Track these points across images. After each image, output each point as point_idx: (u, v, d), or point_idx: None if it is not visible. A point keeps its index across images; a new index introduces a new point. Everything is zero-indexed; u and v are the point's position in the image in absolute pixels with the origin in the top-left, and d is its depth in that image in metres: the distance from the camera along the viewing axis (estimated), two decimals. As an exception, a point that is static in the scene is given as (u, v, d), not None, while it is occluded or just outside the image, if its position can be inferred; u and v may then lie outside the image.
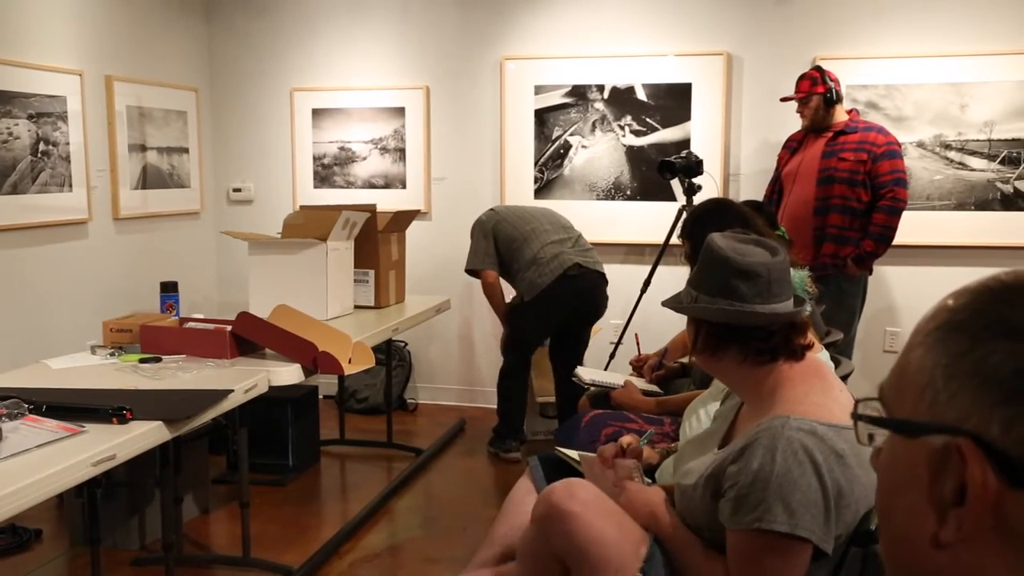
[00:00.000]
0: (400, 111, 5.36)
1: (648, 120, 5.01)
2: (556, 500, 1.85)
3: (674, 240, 3.85)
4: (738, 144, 4.95)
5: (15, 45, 4.07)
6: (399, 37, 5.33)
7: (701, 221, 2.66)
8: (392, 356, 4.93)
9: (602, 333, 4.83)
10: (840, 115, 4.28)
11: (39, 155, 4.20)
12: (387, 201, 5.09)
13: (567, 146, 5.13)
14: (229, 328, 3.05)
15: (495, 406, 4.61)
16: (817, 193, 4.20)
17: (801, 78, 4.32)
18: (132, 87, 4.85)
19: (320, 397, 4.60)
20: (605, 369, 4.30)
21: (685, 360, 3.32)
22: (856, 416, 0.69)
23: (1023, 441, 0.57)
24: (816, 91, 4.24)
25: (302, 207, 4.70)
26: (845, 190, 4.14)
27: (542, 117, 5.15)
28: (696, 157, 4.51)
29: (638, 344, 3.88)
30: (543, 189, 5.16)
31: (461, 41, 5.25)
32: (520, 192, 5.14)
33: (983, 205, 4.62)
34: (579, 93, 5.08)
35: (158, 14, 5.13)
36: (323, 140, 5.49)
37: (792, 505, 1.56)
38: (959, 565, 0.61)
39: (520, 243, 4.35)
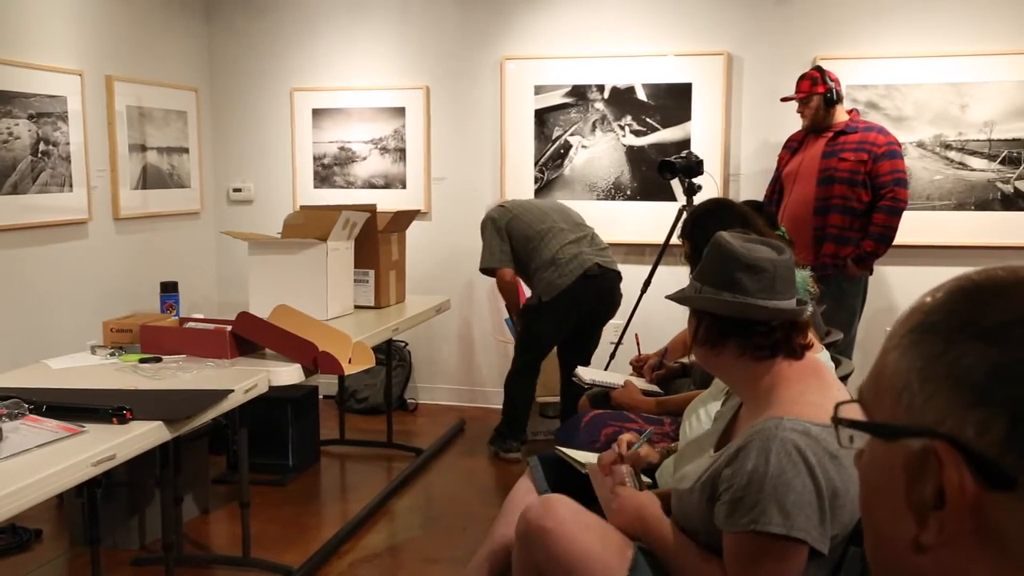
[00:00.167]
0: (400, 111, 5.36)
1: (648, 120, 5.01)
2: (532, 518, 1.89)
3: (674, 240, 3.85)
4: (738, 144, 4.95)
5: (15, 45, 4.07)
6: (399, 37, 5.33)
7: (701, 221, 2.66)
8: (392, 356, 4.93)
9: (602, 333, 4.82)
10: (840, 115, 4.28)
11: (39, 155, 4.20)
12: (387, 201, 5.09)
13: (567, 146, 5.13)
14: (229, 328, 3.05)
15: (495, 406, 4.61)
16: (817, 193, 4.20)
17: (801, 78, 4.32)
18: (132, 87, 4.85)
19: (320, 397, 4.60)
20: (605, 369, 4.30)
21: (685, 360, 3.32)
22: (836, 420, 0.69)
23: (998, 443, 0.57)
24: (816, 91, 4.24)
25: (302, 207, 4.70)
26: (845, 190, 4.14)
27: (542, 117, 5.15)
28: (696, 157, 4.51)
29: (638, 344, 3.88)
30: (543, 189, 5.16)
31: (461, 41, 5.25)
32: (520, 192, 5.14)
33: (983, 205, 4.62)
34: (579, 93, 5.08)
35: (158, 14, 5.14)
36: (323, 140, 5.49)
37: (787, 506, 1.56)
38: (942, 568, 0.60)
39: (537, 242, 4.30)
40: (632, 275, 4.55)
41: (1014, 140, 4.55)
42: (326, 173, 5.50)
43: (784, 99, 4.44)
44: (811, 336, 1.88)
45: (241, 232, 4.40)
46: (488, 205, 4.76)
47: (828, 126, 4.26)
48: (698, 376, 3.02)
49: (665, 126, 4.99)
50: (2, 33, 4.01)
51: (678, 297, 1.86)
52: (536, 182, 5.16)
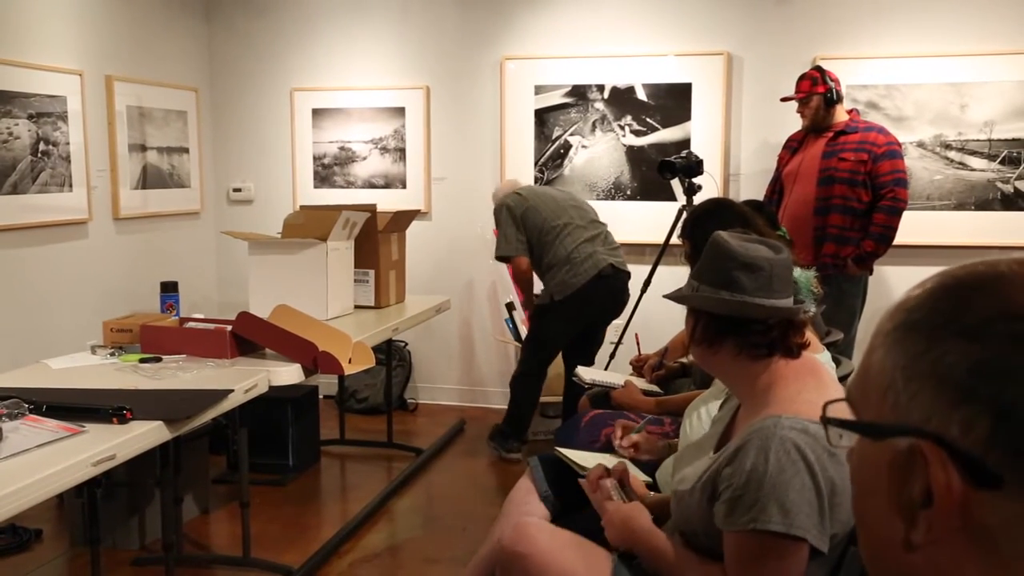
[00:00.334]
0: (400, 111, 5.36)
1: (648, 120, 5.01)
2: (506, 545, 1.91)
3: (674, 240, 3.85)
4: (738, 144, 4.95)
5: (15, 45, 4.07)
6: (399, 37, 5.33)
7: (701, 221, 2.66)
8: (392, 356, 4.93)
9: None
10: (840, 115, 4.28)
11: (39, 155, 4.20)
12: (387, 201, 5.08)
13: (567, 146, 5.13)
14: (229, 328, 3.05)
15: (495, 406, 4.61)
16: (818, 193, 4.20)
17: (801, 78, 4.32)
18: (132, 87, 4.85)
19: (320, 397, 4.60)
20: (605, 369, 4.30)
21: (685, 360, 3.32)
22: (824, 419, 0.69)
23: (983, 441, 0.57)
24: (816, 91, 4.24)
25: (302, 207, 4.70)
26: (845, 190, 4.14)
27: (542, 117, 5.15)
28: (696, 157, 4.51)
29: (638, 344, 3.88)
30: (543, 189, 5.15)
31: (461, 41, 5.25)
32: (520, 192, 5.13)
33: (983, 205, 4.62)
34: (579, 93, 5.08)
35: (158, 14, 5.14)
36: (323, 140, 5.49)
37: (787, 505, 1.56)
38: (932, 566, 0.60)
39: (552, 237, 4.25)
40: (632, 275, 4.55)
41: (1014, 140, 4.55)
42: (326, 173, 5.50)
43: (784, 99, 4.44)
44: (811, 336, 1.88)
45: (241, 232, 4.40)
46: (493, 191, 4.71)
47: (828, 126, 4.26)
48: (698, 376, 3.02)
49: (665, 126, 4.99)
50: (2, 33, 4.01)
51: (675, 296, 1.86)
52: (536, 182, 5.15)
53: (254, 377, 2.81)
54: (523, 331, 4.88)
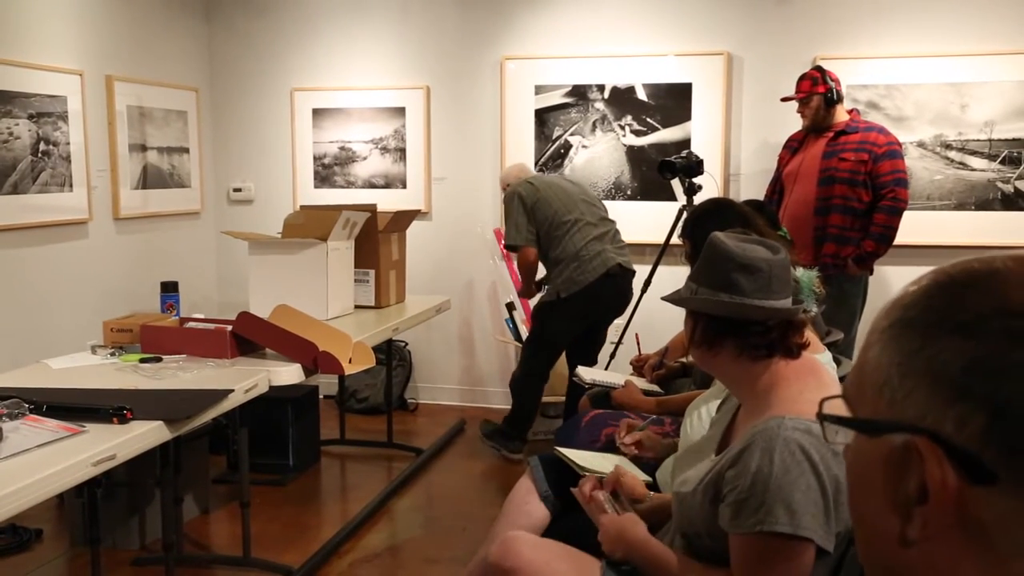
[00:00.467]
0: (400, 111, 5.36)
1: (648, 120, 5.01)
2: (494, 560, 1.92)
3: (674, 240, 3.85)
4: (738, 144, 4.95)
5: (15, 45, 4.07)
6: (399, 37, 5.33)
7: (701, 221, 2.66)
8: (392, 356, 4.93)
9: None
10: (841, 115, 4.28)
11: (39, 155, 4.20)
12: (387, 201, 5.08)
13: (567, 146, 5.13)
14: (229, 328, 3.05)
15: (495, 406, 4.61)
16: (818, 193, 4.20)
17: (802, 78, 4.31)
18: (132, 87, 4.85)
19: (320, 397, 4.60)
20: (605, 369, 4.30)
21: (686, 360, 3.32)
22: (820, 416, 0.69)
23: (977, 437, 0.57)
24: (817, 91, 4.24)
25: (302, 207, 4.70)
26: (846, 190, 4.14)
27: (542, 117, 5.15)
28: (696, 157, 4.51)
29: (639, 344, 3.88)
30: (543, 189, 5.15)
31: (461, 41, 5.25)
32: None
33: (983, 205, 4.62)
34: (579, 93, 5.08)
35: (158, 14, 5.14)
36: (323, 140, 5.49)
37: (793, 506, 1.56)
38: (928, 562, 0.61)
39: (562, 232, 4.22)
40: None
41: (1014, 140, 4.55)
42: (326, 173, 5.50)
43: (784, 99, 4.44)
44: (811, 336, 1.87)
45: (241, 232, 4.40)
46: (502, 172, 4.68)
47: (828, 126, 4.26)
48: (698, 376, 3.02)
49: (665, 126, 4.99)
50: (2, 33, 4.01)
51: (674, 298, 1.85)
52: (536, 182, 5.15)
53: (254, 377, 2.81)
54: (523, 331, 4.88)
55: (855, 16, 4.72)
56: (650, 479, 2.36)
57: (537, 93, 5.14)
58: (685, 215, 3.81)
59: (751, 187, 4.85)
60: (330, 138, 5.48)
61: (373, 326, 3.72)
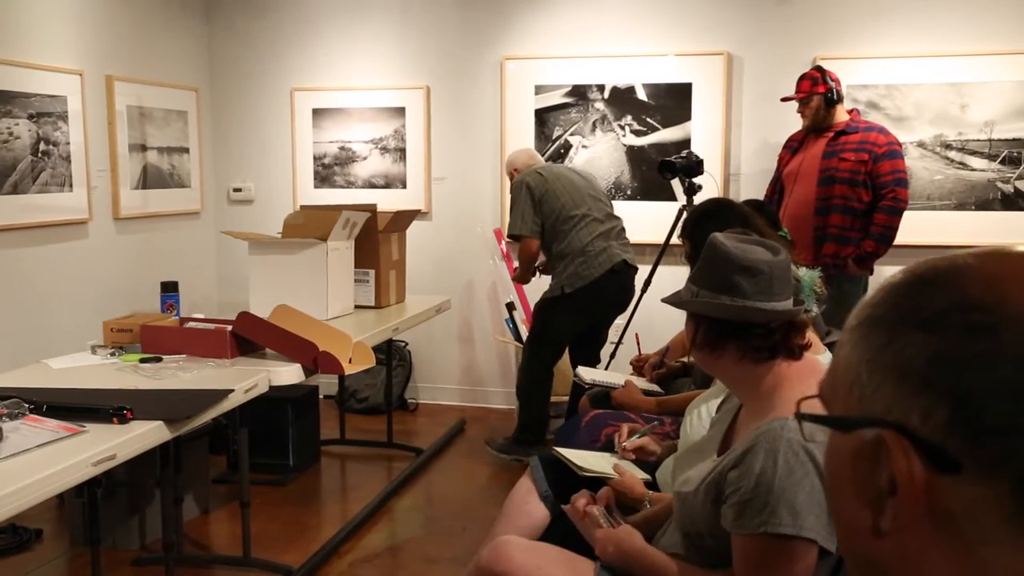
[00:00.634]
0: (400, 111, 5.36)
1: (648, 120, 5.01)
2: (485, 565, 1.92)
3: (674, 240, 3.85)
4: (738, 144, 4.95)
5: (15, 45, 4.07)
6: (399, 37, 5.33)
7: (701, 221, 2.66)
8: (392, 356, 4.93)
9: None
10: (841, 115, 4.28)
11: (39, 155, 4.20)
12: (387, 201, 5.08)
13: (567, 146, 5.13)
14: (229, 328, 3.05)
15: (495, 406, 4.61)
16: (818, 193, 4.20)
17: (802, 78, 4.31)
18: (132, 87, 4.85)
19: (320, 397, 4.60)
20: (606, 369, 4.30)
21: (686, 359, 3.32)
22: (798, 415, 0.72)
23: (941, 428, 0.59)
24: (817, 91, 4.24)
25: (302, 207, 4.70)
26: (846, 190, 4.14)
27: (542, 117, 5.15)
28: (696, 157, 4.51)
29: (639, 344, 3.88)
30: (543, 189, 5.15)
31: (461, 41, 5.25)
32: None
33: (983, 205, 4.62)
34: (579, 93, 5.08)
35: (158, 14, 5.14)
36: (323, 140, 5.49)
37: (796, 507, 1.56)
38: (901, 552, 0.62)
39: (569, 226, 4.19)
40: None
41: (1014, 140, 4.55)
42: (326, 173, 5.50)
43: (784, 99, 4.44)
44: (812, 336, 1.87)
45: (241, 232, 4.40)
46: (510, 157, 4.67)
47: (829, 126, 4.26)
48: (699, 376, 3.02)
49: (665, 126, 4.99)
50: (2, 33, 4.01)
51: (675, 301, 1.85)
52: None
53: (254, 377, 2.81)
54: (523, 331, 4.88)
55: (855, 16, 4.72)
56: (649, 478, 2.36)
57: (537, 93, 5.14)
58: (685, 215, 3.81)
59: (751, 187, 4.85)
60: (330, 138, 5.48)
61: (373, 326, 3.72)
